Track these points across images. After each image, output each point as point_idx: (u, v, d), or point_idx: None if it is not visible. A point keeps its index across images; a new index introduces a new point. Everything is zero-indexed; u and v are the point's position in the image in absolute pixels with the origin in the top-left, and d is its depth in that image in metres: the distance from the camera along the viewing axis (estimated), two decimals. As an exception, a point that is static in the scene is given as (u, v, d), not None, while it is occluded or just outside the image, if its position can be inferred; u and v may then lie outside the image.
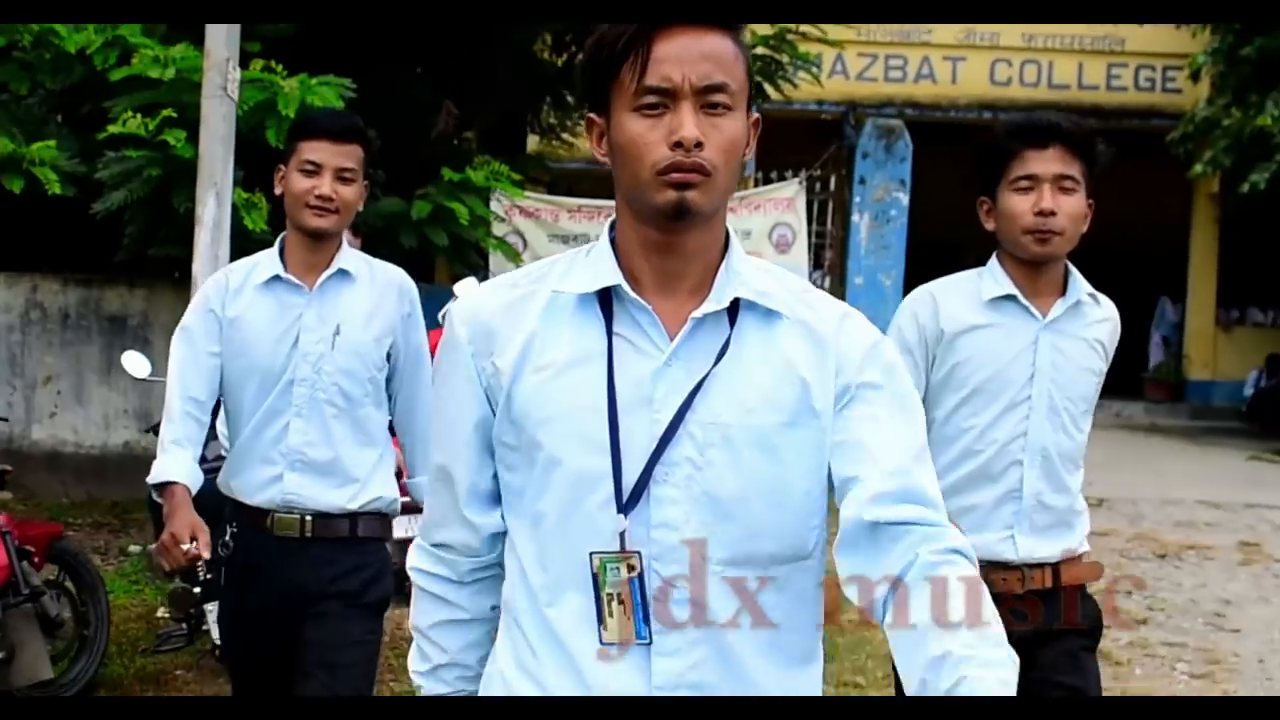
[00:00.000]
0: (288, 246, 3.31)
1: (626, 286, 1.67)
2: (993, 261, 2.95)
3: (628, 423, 1.64)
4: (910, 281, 10.28)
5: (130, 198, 7.03)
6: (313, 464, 3.22)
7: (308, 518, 3.22)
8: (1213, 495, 10.42)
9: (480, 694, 1.81)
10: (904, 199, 9.81)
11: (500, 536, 1.78)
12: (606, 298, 1.68)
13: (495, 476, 1.75)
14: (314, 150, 3.20)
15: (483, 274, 8.48)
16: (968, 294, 2.93)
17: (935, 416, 2.92)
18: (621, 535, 1.64)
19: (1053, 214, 2.78)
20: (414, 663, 1.90)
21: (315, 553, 3.21)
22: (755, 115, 1.70)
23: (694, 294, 1.68)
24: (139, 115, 6.83)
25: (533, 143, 11.85)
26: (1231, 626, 6.63)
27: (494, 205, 8.85)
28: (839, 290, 10.28)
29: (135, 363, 4.71)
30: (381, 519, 3.31)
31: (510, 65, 9.70)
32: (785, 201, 9.26)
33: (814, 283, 9.23)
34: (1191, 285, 18.00)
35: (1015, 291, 2.88)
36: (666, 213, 1.62)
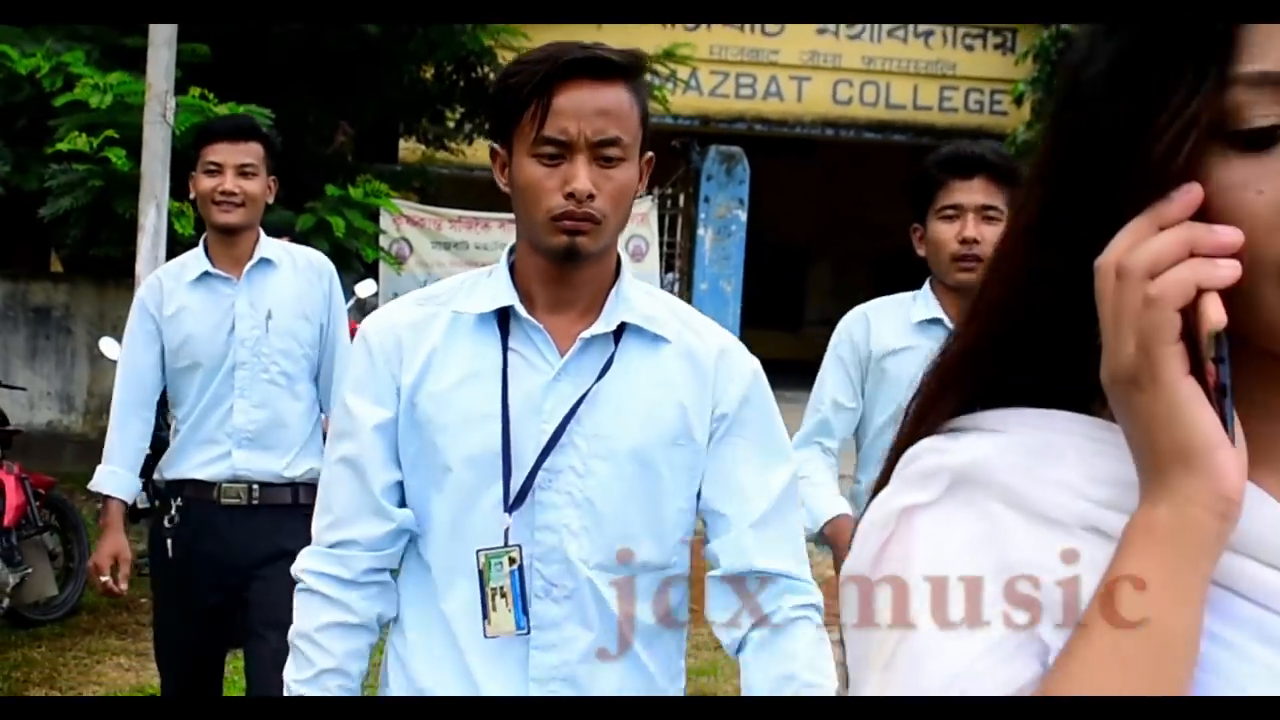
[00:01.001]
0: (210, 246, 3.46)
1: (521, 308, 1.75)
2: (925, 286, 2.99)
3: (518, 431, 1.72)
4: (749, 286, 11.66)
5: (75, 204, 7.93)
6: (257, 439, 3.38)
7: (254, 486, 3.38)
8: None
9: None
10: (742, 215, 11.17)
11: (403, 535, 1.80)
12: (504, 317, 1.76)
13: (399, 482, 1.80)
14: (214, 152, 3.36)
15: (366, 275, 9.52)
16: (899, 317, 2.98)
17: (869, 432, 3.01)
18: (506, 532, 1.72)
19: (976, 242, 2.78)
20: (293, 671, 1.80)
21: (262, 518, 3.37)
22: (649, 155, 1.78)
23: (584, 315, 1.77)
24: (84, 134, 7.80)
25: (416, 152, 12.93)
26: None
27: (383, 217, 9.95)
28: (686, 294, 11.59)
29: (111, 348, 5.60)
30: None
31: (398, 86, 10.82)
32: (639, 216, 10.54)
33: (666, 287, 10.76)
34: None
35: (943, 316, 2.91)
36: (558, 255, 1.71)
